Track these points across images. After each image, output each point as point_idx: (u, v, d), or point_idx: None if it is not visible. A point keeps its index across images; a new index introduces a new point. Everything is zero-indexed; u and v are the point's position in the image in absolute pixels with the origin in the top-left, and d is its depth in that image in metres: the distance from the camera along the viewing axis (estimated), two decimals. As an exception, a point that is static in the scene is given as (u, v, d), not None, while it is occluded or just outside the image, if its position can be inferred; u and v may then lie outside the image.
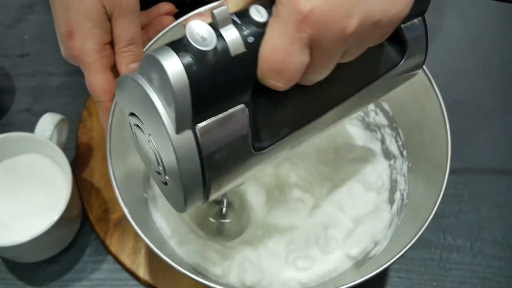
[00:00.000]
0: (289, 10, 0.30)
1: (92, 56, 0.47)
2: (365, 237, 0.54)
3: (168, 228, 0.53)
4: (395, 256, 0.43)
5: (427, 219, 0.44)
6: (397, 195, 0.55)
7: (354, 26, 0.31)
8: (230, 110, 0.33)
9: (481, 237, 0.61)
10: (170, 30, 0.54)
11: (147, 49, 0.51)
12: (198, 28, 0.31)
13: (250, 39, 0.32)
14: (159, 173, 0.38)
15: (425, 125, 0.51)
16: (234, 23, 0.32)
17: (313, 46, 0.31)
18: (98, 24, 0.46)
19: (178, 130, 0.32)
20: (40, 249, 0.55)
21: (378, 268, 0.43)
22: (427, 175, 0.50)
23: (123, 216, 0.59)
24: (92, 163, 0.63)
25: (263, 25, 0.32)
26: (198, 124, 0.33)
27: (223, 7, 0.32)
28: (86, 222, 0.60)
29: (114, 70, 0.49)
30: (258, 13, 0.32)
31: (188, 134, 0.33)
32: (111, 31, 0.48)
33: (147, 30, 0.57)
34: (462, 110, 0.69)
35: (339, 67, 0.34)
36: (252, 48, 0.32)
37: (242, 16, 0.33)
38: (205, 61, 0.31)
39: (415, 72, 0.42)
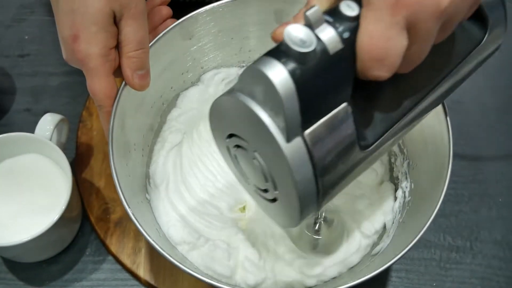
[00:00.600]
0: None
1: (96, 60, 0.46)
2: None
3: (176, 234, 0.53)
4: (395, 257, 0.43)
5: (427, 222, 0.44)
6: (399, 193, 0.55)
7: (446, 3, 0.31)
8: (335, 111, 0.33)
9: (481, 237, 0.61)
10: (171, 29, 0.54)
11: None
12: (295, 31, 0.30)
13: (346, 35, 0.32)
14: (265, 190, 0.37)
15: (425, 123, 0.51)
16: (327, 21, 0.32)
17: (411, 27, 0.31)
18: (104, 28, 0.46)
19: (289, 139, 0.32)
20: (40, 249, 0.55)
21: (377, 270, 0.43)
22: (428, 174, 0.50)
23: (123, 216, 0.59)
24: (92, 163, 0.63)
25: (356, 19, 0.32)
26: (306, 130, 0.32)
27: (316, 8, 0.31)
28: (86, 222, 0.60)
29: (117, 73, 0.49)
30: (349, 8, 0.32)
31: (298, 141, 0.32)
32: (117, 35, 0.47)
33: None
34: (462, 110, 0.69)
35: (429, 55, 0.34)
36: (349, 43, 0.32)
37: (333, 14, 0.32)
38: (307, 64, 0.31)
39: (497, 46, 0.41)
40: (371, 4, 0.31)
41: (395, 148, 0.57)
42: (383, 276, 0.58)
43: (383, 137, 0.36)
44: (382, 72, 0.32)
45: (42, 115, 0.67)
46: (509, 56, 0.74)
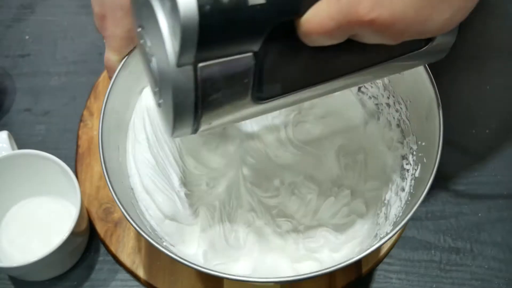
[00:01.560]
0: (351, 7, 0.31)
1: (120, 42, 0.49)
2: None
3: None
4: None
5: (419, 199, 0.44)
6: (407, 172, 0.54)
7: (400, 41, 0.33)
8: (236, 56, 0.33)
9: (481, 239, 0.61)
10: None
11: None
12: None
13: None
14: (155, 93, 0.38)
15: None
16: None
17: (355, 35, 0.33)
18: (130, 13, 0.47)
19: (179, 64, 0.32)
20: (49, 267, 0.55)
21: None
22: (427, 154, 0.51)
23: (123, 216, 0.59)
24: (92, 163, 0.63)
25: None
26: (200, 64, 0.33)
27: None
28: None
29: None
30: None
31: (188, 69, 0.33)
32: None
33: None
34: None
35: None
36: (272, 1, 0.32)
37: None
38: (220, 3, 0.31)
39: (443, 53, 0.41)
40: (340, 1, 0.31)
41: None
42: (383, 278, 0.58)
43: (281, 97, 0.37)
44: (308, 43, 0.34)
45: (42, 115, 0.67)
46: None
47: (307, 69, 0.37)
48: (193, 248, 0.52)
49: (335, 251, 0.53)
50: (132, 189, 0.52)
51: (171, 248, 0.49)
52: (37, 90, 0.70)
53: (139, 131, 0.54)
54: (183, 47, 0.31)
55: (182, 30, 0.30)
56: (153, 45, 0.36)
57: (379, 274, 0.58)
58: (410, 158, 0.52)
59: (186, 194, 0.54)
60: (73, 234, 0.51)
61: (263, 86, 0.36)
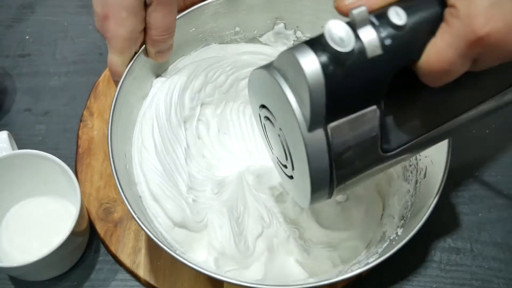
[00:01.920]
0: (465, 27, 0.31)
1: (123, 43, 0.49)
2: None
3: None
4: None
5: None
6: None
7: None
8: (362, 111, 0.34)
9: (481, 239, 0.61)
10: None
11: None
12: (336, 28, 0.31)
13: (387, 42, 0.32)
14: (285, 166, 0.39)
15: None
16: (372, 24, 0.32)
17: (476, 60, 0.33)
18: (134, 13, 0.47)
19: (311, 129, 0.33)
20: (49, 267, 0.55)
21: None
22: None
23: (123, 216, 0.59)
24: (93, 163, 0.62)
25: (402, 28, 0.32)
26: (329, 124, 0.33)
27: (363, 8, 0.32)
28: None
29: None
30: (397, 16, 0.32)
31: (319, 133, 0.33)
32: (145, 18, 0.49)
33: None
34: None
35: (473, 74, 0.34)
36: (389, 51, 0.32)
37: (380, 18, 0.32)
38: (341, 62, 0.31)
39: None
40: (452, 27, 0.32)
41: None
42: (384, 277, 0.58)
43: (407, 145, 0.37)
44: (431, 83, 0.34)
45: (42, 115, 0.67)
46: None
47: (428, 113, 0.38)
48: (203, 255, 0.52)
49: (341, 248, 0.54)
50: (140, 196, 0.52)
51: (183, 255, 0.48)
52: (37, 90, 0.70)
53: (146, 137, 0.54)
54: (313, 112, 0.32)
55: (310, 95, 0.31)
56: (279, 119, 0.36)
57: (379, 275, 0.58)
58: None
59: (193, 201, 0.54)
60: (73, 234, 0.51)
61: (390, 136, 0.36)
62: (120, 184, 0.46)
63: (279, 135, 0.37)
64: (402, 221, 0.51)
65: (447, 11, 0.32)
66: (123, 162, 0.51)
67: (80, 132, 0.65)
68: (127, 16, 0.47)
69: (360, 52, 0.31)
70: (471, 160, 0.65)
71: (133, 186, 0.52)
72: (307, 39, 0.33)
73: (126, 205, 0.45)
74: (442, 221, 0.61)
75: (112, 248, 0.57)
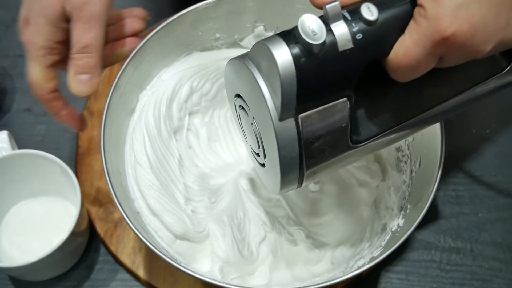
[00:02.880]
0: (432, 26, 0.32)
1: (38, 51, 0.46)
2: None
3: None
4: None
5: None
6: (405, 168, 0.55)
7: (487, 51, 0.33)
8: (332, 103, 0.35)
9: (481, 239, 0.61)
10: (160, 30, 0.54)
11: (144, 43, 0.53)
12: (309, 21, 0.32)
13: (359, 36, 0.33)
14: (258, 154, 0.40)
15: None
16: (345, 18, 0.33)
17: (442, 58, 0.34)
18: (53, 23, 0.46)
19: (282, 118, 0.34)
20: (49, 267, 0.55)
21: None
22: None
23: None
24: (93, 163, 0.62)
25: (373, 23, 0.33)
26: (300, 114, 0.34)
27: (336, 3, 0.33)
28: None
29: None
30: (369, 11, 0.33)
31: (290, 122, 0.34)
32: (68, 31, 0.47)
33: (117, 27, 0.53)
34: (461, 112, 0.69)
35: (443, 70, 0.35)
36: (360, 45, 0.33)
37: (353, 13, 0.33)
38: (313, 54, 0.32)
39: None
40: (420, 26, 0.33)
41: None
42: (383, 278, 0.58)
43: (376, 137, 0.38)
44: (399, 78, 0.35)
45: (42, 115, 0.67)
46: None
47: (398, 107, 0.38)
48: (207, 265, 0.52)
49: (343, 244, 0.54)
50: (138, 212, 0.52)
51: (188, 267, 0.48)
52: (37, 90, 0.70)
53: (139, 153, 0.54)
54: (284, 102, 0.33)
55: (282, 85, 0.32)
56: (252, 108, 0.38)
57: (379, 274, 0.58)
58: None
59: (192, 211, 0.54)
60: (73, 234, 0.51)
61: (360, 128, 0.37)
62: (119, 203, 0.47)
63: (252, 124, 0.38)
64: (403, 212, 0.51)
65: (416, 10, 0.33)
66: (118, 180, 0.51)
67: (80, 132, 0.65)
68: (44, 23, 0.46)
69: (331, 45, 0.32)
70: (471, 160, 0.65)
71: (130, 203, 0.52)
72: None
73: (128, 224, 0.46)
74: (442, 221, 0.61)
75: (112, 248, 0.57)
